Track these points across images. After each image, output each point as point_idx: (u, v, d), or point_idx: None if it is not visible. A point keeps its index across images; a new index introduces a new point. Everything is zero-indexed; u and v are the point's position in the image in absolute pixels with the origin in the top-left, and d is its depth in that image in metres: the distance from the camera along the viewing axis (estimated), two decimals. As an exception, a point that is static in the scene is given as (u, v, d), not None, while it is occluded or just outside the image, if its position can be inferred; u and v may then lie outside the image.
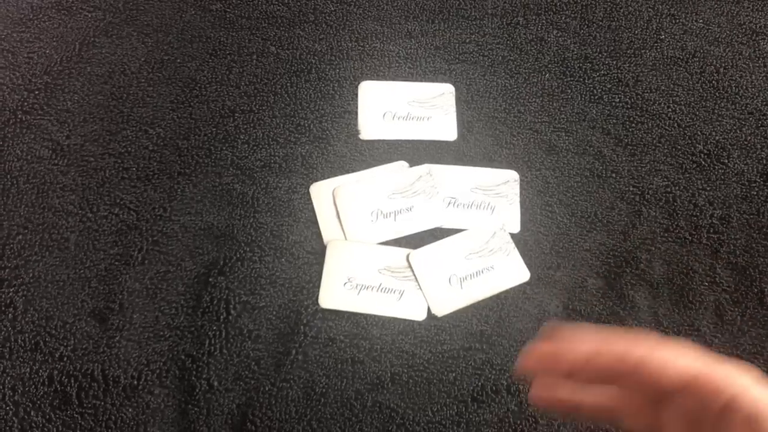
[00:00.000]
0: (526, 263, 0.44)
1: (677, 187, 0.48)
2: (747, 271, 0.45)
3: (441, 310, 0.41)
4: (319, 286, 0.42)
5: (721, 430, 0.22)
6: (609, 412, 0.26)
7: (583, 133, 0.50)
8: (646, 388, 0.24)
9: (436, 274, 0.42)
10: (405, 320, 0.41)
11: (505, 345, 0.41)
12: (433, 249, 0.43)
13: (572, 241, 0.45)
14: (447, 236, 0.44)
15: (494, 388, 0.39)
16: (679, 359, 0.23)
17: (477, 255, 0.43)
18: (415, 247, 0.43)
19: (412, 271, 0.42)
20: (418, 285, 0.42)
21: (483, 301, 0.42)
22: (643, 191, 0.48)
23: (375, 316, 0.41)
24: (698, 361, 0.23)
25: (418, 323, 0.41)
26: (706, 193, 0.48)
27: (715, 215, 0.47)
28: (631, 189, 0.48)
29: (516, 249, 0.44)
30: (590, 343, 0.24)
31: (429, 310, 0.41)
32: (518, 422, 0.38)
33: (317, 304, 0.41)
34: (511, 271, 0.43)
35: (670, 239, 0.46)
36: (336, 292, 0.41)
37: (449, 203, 0.46)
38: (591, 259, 0.44)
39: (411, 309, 0.41)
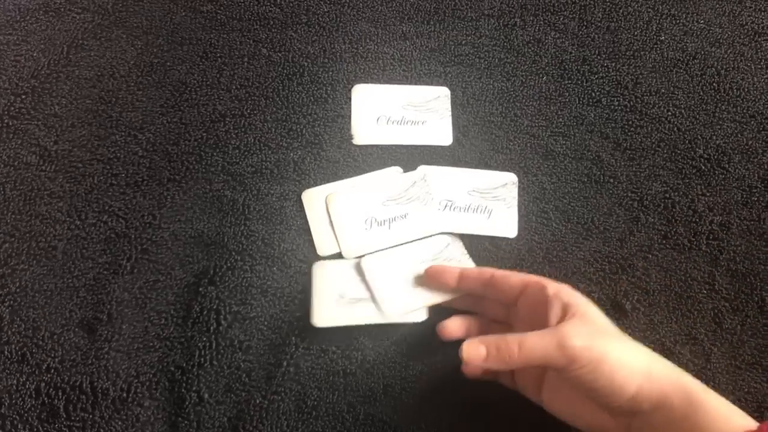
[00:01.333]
0: (519, 270, 0.43)
1: (676, 193, 0.47)
2: (747, 279, 0.44)
3: (398, 316, 0.40)
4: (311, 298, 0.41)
5: (548, 315, 0.34)
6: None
7: (580, 138, 0.49)
8: (500, 292, 0.37)
9: (390, 279, 0.41)
10: (398, 331, 0.40)
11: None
12: (386, 255, 0.42)
13: (567, 249, 0.44)
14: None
15: (488, 399, 0.39)
16: (515, 274, 0.37)
17: (395, 201, 0.43)
18: None
19: (364, 277, 0.41)
20: (371, 294, 0.41)
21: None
22: (642, 197, 0.47)
23: (368, 326, 0.40)
24: (527, 275, 0.36)
25: (412, 333, 0.40)
26: (706, 198, 0.47)
27: (715, 221, 0.46)
28: (630, 195, 0.47)
29: (471, 260, 0.43)
30: (458, 268, 0.40)
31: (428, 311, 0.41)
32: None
33: (310, 324, 0.40)
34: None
35: (668, 246, 0.45)
36: (330, 310, 0.40)
37: (445, 206, 0.45)
38: (585, 267, 0.44)
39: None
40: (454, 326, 0.39)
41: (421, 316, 0.40)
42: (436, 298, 0.41)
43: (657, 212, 0.46)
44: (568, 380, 0.32)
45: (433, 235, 0.44)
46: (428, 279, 0.41)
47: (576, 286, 0.42)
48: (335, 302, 0.40)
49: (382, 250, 0.43)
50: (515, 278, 0.37)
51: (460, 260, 0.43)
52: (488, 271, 0.38)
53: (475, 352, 0.33)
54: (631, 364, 0.31)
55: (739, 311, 0.43)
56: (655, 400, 0.31)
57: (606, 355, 0.31)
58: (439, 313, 0.41)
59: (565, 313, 0.34)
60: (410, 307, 0.41)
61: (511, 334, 0.33)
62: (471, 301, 0.40)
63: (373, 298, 0.41)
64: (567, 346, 0.31)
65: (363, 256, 0.42)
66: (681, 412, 0.31)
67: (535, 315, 0.35)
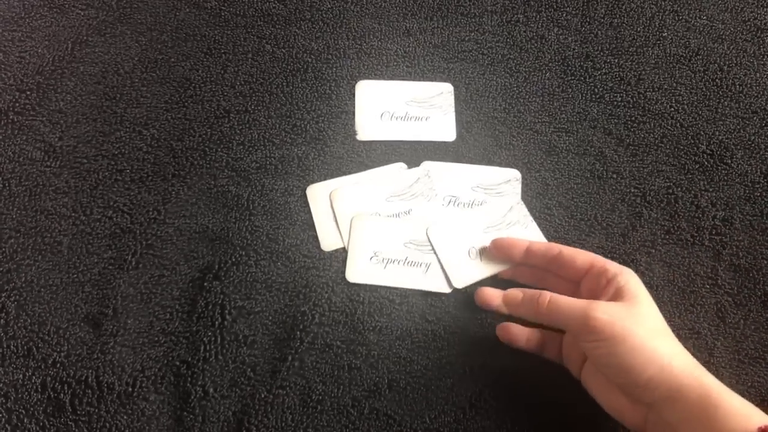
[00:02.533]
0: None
1: (679, 188, 0.47)
2: (750, 273, 0.44)
3: (461, 282, 0.42)
4: (315, 291, 0.41)
5: (602, 295, 0.35)
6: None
7: (584, 134, 0.49)
8: (566, 270, 0.38)
9: (455, 247, 0.43)
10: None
11: (503, 350, 0.40)
12: (451, 222, 0.44)
13: (570, 244, 0.44)
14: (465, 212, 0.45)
15: (492, 393, 0.39)
16: (583, 253, 0.38)
17: (495, 228, 0.43)
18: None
19: (431, 245, 0.42)
20: (438, 258, 0.42)
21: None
22: (645, 193, 0.47)
23: (372, 320, 0.41)
24: (594, 255, 0.38)
25: (416, 329, 0.41)
26: (709, 194, 0.47)
27: (718, 217, 0.46)
28: (632, 190, 0.47)
29: (534, 222, 0.44)
30: (527, 241, 0.40)
31: (451, 282, 0.42)
32: (516, 428, 0.38)
33: (344, 279, 0.42)
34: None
35: (671, 241, 0.45)
36: (363, 267, 0.42)
37: (449, 202, 0.45)
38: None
39: (436, 282, 0.42)
40: (517, 331, 0.39)
41: (447, 287, 0.42)
42: (501, 267, 0.42)
43: (660, 208, 0.46)
44: (587, 352, 0.33)
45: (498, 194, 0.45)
46: (495, 251, 0.41)
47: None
48: (368, 259, 0.42)
49: (449, 218, 0.44)
50: (582, 258, 0.38)
51: (524, 223, 0.44)
52: (556, 247, 0.39)
53: (514, 296, 0.38)
54: (652, 351, 0.32)
55: (742, 306, 0.43)
56: (670, 390, 0.31)
57: (628, 337, 0.32)
58: (469, 294, 0.41)
59: (617, 295, 0.35)
60: (476, 276, 0.42)
61: (549, 292, 0.36)
62: (536, 276, 0.41)
63: (441, 267, 0.42)
64: (591, 316, 0.32)
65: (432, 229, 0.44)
66: (698, 407, 0.31)
67: (596, 295, 0.36)
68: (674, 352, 0.33)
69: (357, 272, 0.42)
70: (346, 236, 0.43)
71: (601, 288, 0.36)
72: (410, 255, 0.42)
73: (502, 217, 0.44)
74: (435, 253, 0.42)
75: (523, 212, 0.44)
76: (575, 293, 0.38)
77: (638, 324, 0.33)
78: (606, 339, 0.32)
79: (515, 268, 0.42)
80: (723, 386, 0.32)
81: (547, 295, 0.35)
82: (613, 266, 0.36)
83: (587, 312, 0.32)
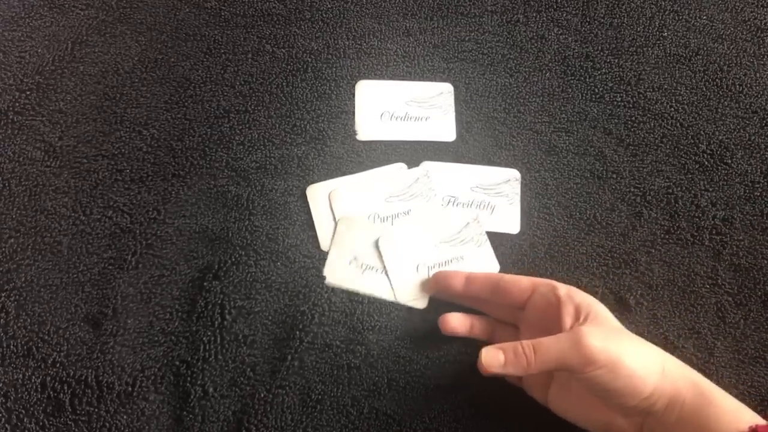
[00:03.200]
0: (521, 267, 0.43)
1: (679, 188, 0.47)
2: (750, 273, 0.44)
3: (405, 297, 0.41)
4: (315, 291, 0.41)
5: (561, 316, 0.34)
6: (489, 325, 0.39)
7: (584, 134, 0.49)
8: (509, 296, 0.37)
9: (403, 261, 0.42)
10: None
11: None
12: (403, 235, 0.43)
13: (569, 245, 0.44)
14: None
15: (492, 393, 0.39)
16: (524, 277, 0.37)
17: (448, 244, 0.43)
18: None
19: (380, 255, 0.42)
20: (385, 270, 0.42)
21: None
22: (644, 192, 0.47)
23: (372, 320, 0.41)
24: (535, 278, 0.37)
25: (415, 328, 0.41)
26: (709, 194, 0.47)
27: (718, 216, 0.46)
28: (632, 190, 0.47)
29: (488, 241, 0.43)
30: (464, 273, 0.39)
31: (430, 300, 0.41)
32: (516, 428, 0.38)
33: (323, 277, 0.41)
34: (480, 263, 0.43)
35: (671, 241, 0.45)
36: (341, 270, 0.41)
37: (449, 202, 0.45)
38: (588, 262, 0.44)
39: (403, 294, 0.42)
40: (456, 321, 0.39)
41: (422, 303, 0.41)
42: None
43: (660, 207, 0.46)
44: (582, 381, 0.32)
45: (456, 210, 0.44)
46: (435, 284, 0.41)
47: (579, 281, 0.43)
48: (348, 263, 0.41)
49: (400, 230, 0.43)
50: (524, 282, 0.37)
51: (477, 241, 0.43)
52: (495, 276, 0.38)
53: (494, 359, 0.33)
54: (647, 363, 0.31)
55: (742, 305, 0.43)
56: (669, 397, 0.31)
57: (622, 356, 0.31)
58: (442, 305, 0.41)
59: (578, 314, 0.34)
60: (418, 293, 0.41)
61: (527, 340, 0.33)
62: (477, 302, 0.40)
63: (386, 274, 0.41)
64: (585, 347, 0.31)
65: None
66: (692, 408, 0.31)
67: (545, 317, 0.35)
68: (662, 356, 0.33)
69: (335, 275, 0.41)
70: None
71: (551, 308, 0.35)
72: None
73: (456, 233, 0.43)
74: (383, 264, 0.42)
75: (478, 230, 0.43)
76: (518, 318, 0.38)
77: (621, 339, 0.32)
78: (605, 365, 0.30)
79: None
80: (712, 384, 0.32)
81: (528, 345, 0.32)
82: (560, 284, 0.35)
83: (578, 345, 0.31)
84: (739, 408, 0.31)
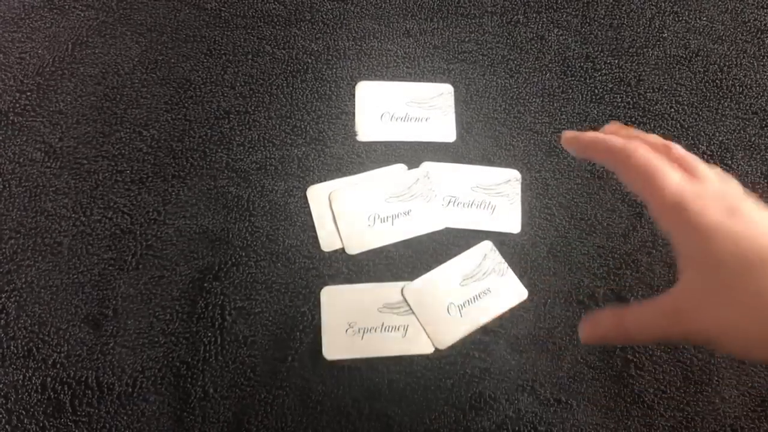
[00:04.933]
0: (522, 267, 0.43)
1: (679, 190, 0.47)
2: (750, 275, 0.44)
3: (444, 342, 0.40)
4: (315, 291, 0.41)
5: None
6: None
7: (583, 134, 0.49)
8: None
9: (433, 306, 0.41)
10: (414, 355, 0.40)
11: (502, 352, 0.40)
12: (427, 279, 0.42)
13: (570, 245, 0.44)
14: (439, 264, 0.43)
15: (492, 395, 0.39)
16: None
17: (472, 279, 0.42)
18: (411, 276, 0.42)
19: (409, 306, 0.41)
20: (417, 319, 0.40)
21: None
22: (645, 193, 0.47)
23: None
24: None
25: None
26: (709, 195, 0.47)
27: (718, 218, 0.46)
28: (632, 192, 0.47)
29: (509, 268, 0.43)
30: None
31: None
32: (516, 430, 0.38)
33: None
34: (508, 291, 0.42)
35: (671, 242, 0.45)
36: (339, 341, 0.40)
37: (449, 202, 0.45)
38: (589, 262, 0.44)
39: (417, 344, 0.40)
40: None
41: (429, 348, 0.40)
42: (484, 320, 0.41)
43: (660, 208, 0.46)
44: None
45: (470, 249, 0.43)
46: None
47: (581, 281, 0.43)
48: (344, 332, 0.40)
49: (423, 275, 0.42)
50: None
51: (499, 270, 0.43)
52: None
53: (590, 337, 0.29)
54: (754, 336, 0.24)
55: (742, 307, 0.43)
56: None
57: (720, 337, 0.25)
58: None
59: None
60: (459, 334, 0.40)
61: (628, 310, 0.27)
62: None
63: (422, 328, 0.40)
64: (680, 325, 0.25)
65: (363, 250, 0.43)
66: None
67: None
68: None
69: (334, 348, 0.39)
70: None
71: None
72: (386, 320, 0.40)
73: (477, 267, 0.43)
74: (414, 314, 0.40)
75: (497, 260, 0.43)
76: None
77: (722, 300, 0.25)
78: (708, 344, 0.25)
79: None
80: None
81: (622, 319, 0.27)
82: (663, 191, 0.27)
83: (674, 322, 0.25)
84: None
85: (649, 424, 0.39)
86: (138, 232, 0.43)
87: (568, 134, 0.31)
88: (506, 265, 0.43)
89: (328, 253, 0.43)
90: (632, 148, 0.28)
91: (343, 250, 0.43)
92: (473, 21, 0.54)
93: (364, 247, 0.43)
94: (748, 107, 0.51)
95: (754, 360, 0.28)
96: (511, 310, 0.42)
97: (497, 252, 0.43)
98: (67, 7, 0.52)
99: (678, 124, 0.50)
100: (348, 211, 0.44)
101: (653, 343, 0.31)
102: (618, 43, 0.54)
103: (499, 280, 0.42)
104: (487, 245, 0.44)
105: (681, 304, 0.26)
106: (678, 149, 0.29)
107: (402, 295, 0.41)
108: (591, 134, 0.30)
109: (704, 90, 0.52)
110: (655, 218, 0.28)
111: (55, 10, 0.52)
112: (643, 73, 0.53)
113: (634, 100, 0.51)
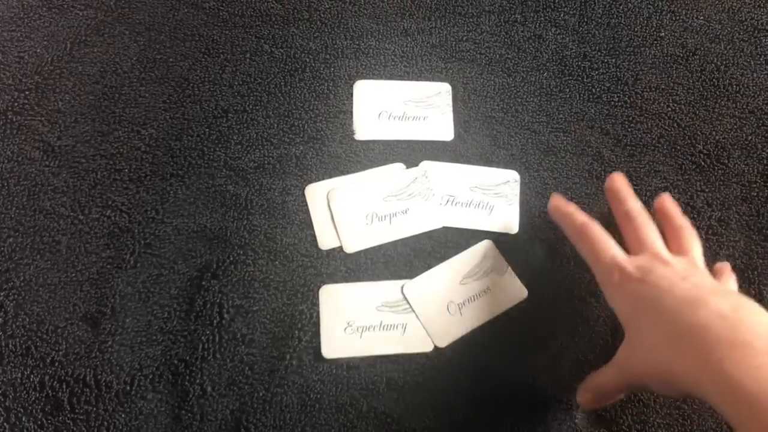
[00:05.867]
0: (522, 266, 0.43)
1: (676, 189, 0.47)
2: (745, 274, 0.44)
3: (443, 341, 0.40)
4: (313, 290, 0.41)
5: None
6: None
7: (581, 134, 0.49)
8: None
9: (433, 304, 0.41)
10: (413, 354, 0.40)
11: (502, 349, 0.41)
12: (427, 277, 0.42)
13: (568, 245, 0.44)
14: (438, 263, 0.43)
15: (492, 394, 0.39)
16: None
17: (472, 278, 0.42)
18: (409, 274, 0.42)
19: (408, 303, 0.41)
20: (417, 317, 0.41)
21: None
22: (641, 193, 0.47)
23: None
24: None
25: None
26: (705, 194, 0.47)
27: (714, 217, 0.46)
28: (630, 190, 0.47)
29: (509, 268, 0.43)
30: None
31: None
32: (516, 429, 0.38)
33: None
34: (508, 290, 0.42)
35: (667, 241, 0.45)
36: (338, 339, 0.40)
37: (447, 201, 0.45)
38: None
39: (416, 342, 0.40)
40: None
41: (429, 346, 0.40)
42: (483, 319, 0.41)
43: (657, 207, 0.46)
44: None
45: (470, 247, 0.43)
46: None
47: (581, 280, 0.43)
48: (343, 330, 0.40)
49: (423, 274, 0.42)
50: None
51: (500, 269, 0.43)
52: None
53: (583, 399, 0.37)
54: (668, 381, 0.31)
55: (738, 305, 0.43)
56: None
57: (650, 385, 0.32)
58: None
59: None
60: (459, 332, 0.40)
61: (598, 371, 0.36)
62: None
63: (422, 325, 0.40)
64: (624, 375, 0.34)
65: (361, 249, 0.43)
66: None
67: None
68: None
69: (333, 346, 0.39)
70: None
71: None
72: (385, 318, 0.40)
73: (477, 266, 0.43)
74: (413, 311, 0.40)
75: (498, 258, 0.43)
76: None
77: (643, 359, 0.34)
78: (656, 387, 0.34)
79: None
80: None
81: (592, 387, 0.36)
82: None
83: (623, 380, 0.36)
84: None
85: (645, 421, 0.39)
86: (136, 231, 0.43)
87: (553, 202, 0.42)
88: (506, 264, 0.43)
89: (326, 251, 0.43)
90: (584, 228, 0.38)
91: (341, 248, 0.43)
92: (471, 20, 0.54)
93: (362, 245, 0.43)
94: (745, 106, 0.52)
95: (675, 396, 0.35)
96: (511, 309, 0.42)
97: (497, 251, 0.44)
98: (65, 6, 0.52)
99: (675, 123, 0.50)
100: (346, 210, 0.44)
101: (621, 396, 0.37)
102: (615, 42, 0.54)
103: (499, 279, 0.42)
104: (487, 244, 0.44)
105: (620, 357, 0.34)
106: (636, 220, 0.38)
107: (402, 293, 0.41)
108: (564, 210, 0.40)
109: (701, 89, 0.52)
110: (599, 284, 0.36)
111: (53, 9, 0.52)
112: (641, 72, 0.53)
113: (632, 99, 0.51)
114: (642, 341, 0.33)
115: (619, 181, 0.41)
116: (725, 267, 0.39)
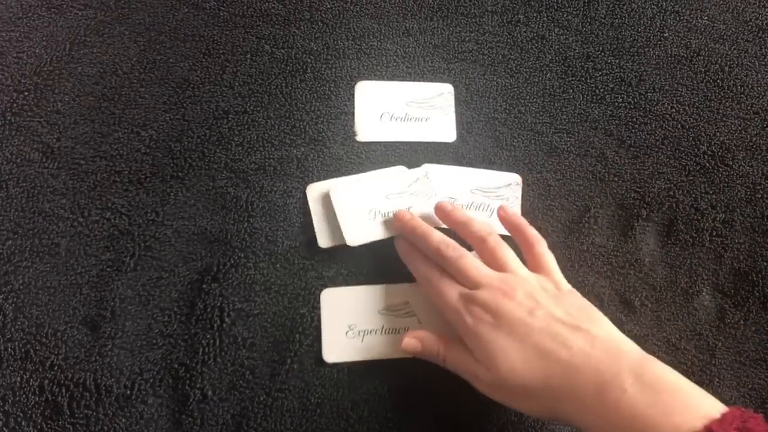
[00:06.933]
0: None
1: (680, 191, 0.47)
2: (750, 276, 0.44)
3: (356, 240, 0.42)
4: (314, 293, 0.41)
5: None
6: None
7: (584, 135, 0.49)
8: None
9: (355, 207, 0.43)
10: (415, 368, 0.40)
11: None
12: (353, 184, 0.44)
13: (571, 246, 0.44)
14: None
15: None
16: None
17: (398, 195, 0.43)
18: (411, 278, 0.42)
19: (411, 306, 0.41)
20: (419, 321, 0.41)
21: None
22: (645, 194, 0.47)
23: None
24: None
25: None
26: (709, 196, 0.47)
27: (718, 219, 0.46)
28: (633, 193, 0.47)
29: (436, 195, 0.44)
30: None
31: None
32: (518, 430, 0.38)
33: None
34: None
35: (671, 243, 0.45)
36: (339, 343, 0.39)
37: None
38: (591, 261, 0.44)
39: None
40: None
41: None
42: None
43: (661, 210, 0.46)
44: None
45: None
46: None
47: (584, 281, 0.43)
48: (344, 335, 0.40)
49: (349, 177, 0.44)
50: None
51: (428, 195, 0.43)
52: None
53: (412, 347, 0.38)
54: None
55: (741, 307, 0.43)
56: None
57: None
58: None
59: None
60: (372, 236, 0.42)
61: (445, 341, 0.37)
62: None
63: (340, 225, 0.42)
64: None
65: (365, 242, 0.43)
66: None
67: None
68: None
69: (334, 350, 0.39)
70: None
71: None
72: (387, 322, 0.40)
73: (407, 187, 0.44)
74: (416, 315, 0.41)
75: (428, 186, 0.44)
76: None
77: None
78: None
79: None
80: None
81: (443, 347, 0.38)
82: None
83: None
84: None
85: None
86: (136, 233, 0.43)
87: (438, 206, 0.42)
88: (435, 193, 0.43)
89: (328, 254, 0.43)
90: (414, 266, 0.40)
91: (342, 247, 0.43)
92: (473, 20, 0.54)
93: (366, 238, 0.42)
94: (749, 107, 0.51)
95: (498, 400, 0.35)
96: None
97: (429, 181, 0.44)
98: (64, 6, 0.52)
99: (679, 125, 0.50)
100: (348, 204, 0.43)
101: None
102: (619, 42, 0.54)
103: (426, 204, 0.43)
104: (415, 174, 0.44)
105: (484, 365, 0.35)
106: (489, 242, 0.39)
107: (405, 296, 0.41)
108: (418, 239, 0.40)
109: (705, 90, 0.52)
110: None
111: (52, 10, 0.51)
112: (644, 73, 0.52)
113: (635, 100, 0.51)
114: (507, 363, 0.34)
115: (448, 208, 0.42)
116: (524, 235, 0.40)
